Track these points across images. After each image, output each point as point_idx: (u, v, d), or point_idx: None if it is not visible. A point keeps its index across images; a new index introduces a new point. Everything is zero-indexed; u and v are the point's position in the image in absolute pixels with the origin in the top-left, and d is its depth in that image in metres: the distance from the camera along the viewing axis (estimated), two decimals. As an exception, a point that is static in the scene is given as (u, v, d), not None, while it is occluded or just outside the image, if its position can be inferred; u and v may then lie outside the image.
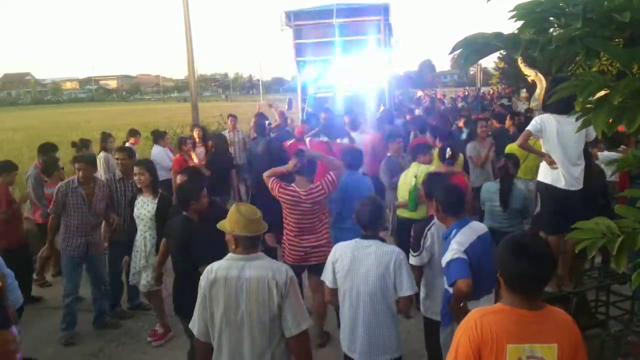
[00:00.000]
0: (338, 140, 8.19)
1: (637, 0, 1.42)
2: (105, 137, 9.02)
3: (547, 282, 2.35)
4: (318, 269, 5.04)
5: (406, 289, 3.44)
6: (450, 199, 3.75)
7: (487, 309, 2.28)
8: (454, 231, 3.67)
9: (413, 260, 3.99)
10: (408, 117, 13.07)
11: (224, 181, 8.34)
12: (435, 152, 6.67)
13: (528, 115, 11.05)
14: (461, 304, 3.46)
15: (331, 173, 5.04)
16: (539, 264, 2.21)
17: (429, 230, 4.06)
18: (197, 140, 9.54)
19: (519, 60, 11.76)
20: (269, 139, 8.76)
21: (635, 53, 1.37)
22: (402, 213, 5.93)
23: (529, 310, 2.21)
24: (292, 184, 5.06)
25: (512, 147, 6.51)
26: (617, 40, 1.54)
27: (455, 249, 3.52)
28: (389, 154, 7.25)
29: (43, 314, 6.34)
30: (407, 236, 5.76)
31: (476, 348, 2.18)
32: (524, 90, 24.82)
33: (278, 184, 5.06)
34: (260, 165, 7.06)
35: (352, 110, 11.50)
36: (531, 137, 5.10)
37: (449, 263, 3.52)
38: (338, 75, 14.04)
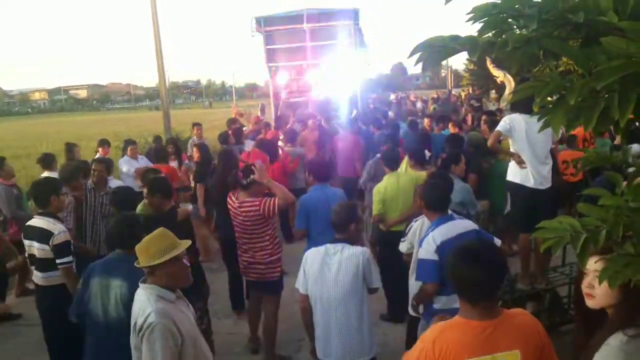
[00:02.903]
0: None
1: (592, 1, 1.43)
2: (70, 148, 8.81)
3: (498, 289, 2.33)
4: (256, 285, 5.09)
5: (377, 282, 3.68)
6: (432, 195, 3.85)
7: (445, 324, 2.23)
8: (432, 226, 3.76)
9: (401, 246, 4.30)
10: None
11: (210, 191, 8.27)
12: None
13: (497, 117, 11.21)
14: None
15: (275, 199, 4.71)
16: (487, 271, 2.18)
17: (415, 222, 4.27)
18: (170, 153, 9.37)
19: (488, 62, 11.91)
20: (225, 147, 8.59)
21: (590, 53, 1.39)
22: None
23: (485, 320, 2.16)
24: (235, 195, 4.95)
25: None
26: (574, 40, 1.56)
27: (427, 247, 3.62)
28: (379, 155, 7.00)
29: (19, 330, 6.21)
30: (392, 249, 5.53)
31: None
32: (494, 91, 25.18)
33: (230, 192, 5.04)
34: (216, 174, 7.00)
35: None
36: (501, 137, 5.17)
37: (419, 261, 3.68)
38: (310, 80, 14.09)
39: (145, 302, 2.80)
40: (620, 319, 1.96)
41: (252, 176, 4.73)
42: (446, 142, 7.17)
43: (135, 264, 2.87)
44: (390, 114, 16.32)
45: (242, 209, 4.79)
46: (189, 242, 2.97)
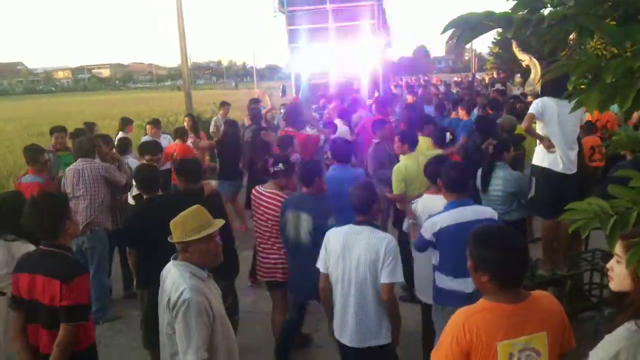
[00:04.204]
0: (308, 130, 8.04)
1: (631, -22, 1.40)
2: (90, 127, 8.92)
3: (525, 272, 2.36)
4: (280, 287, 4.78)
5: (386, 276, 3.40)
6: (449, 176, 3.84)
7: (472, 308, 2.24)
8: (445, 209, 3.79)
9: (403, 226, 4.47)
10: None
11: (233, 167, 8.36)
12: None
13: (528, 101, 11.04)
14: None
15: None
16: (519, 254, 2.21)
17: (411, 204, 4.41)
18: (187, 129, 9.45)
19: (514, 45, 11.72)
20: (255, 127, 8.66)
21: (628, 31, 1.36)
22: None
23: (514, 303, 2.18)
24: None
25: (519, 131, 6.59)
26: (610, 18, 1.53)
27: (429, 226, 3.75)
28: (376, 141, 6.94)
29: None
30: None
31: (466, 351, 2.16)
32: (518, 75, 24.81)
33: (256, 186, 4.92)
34: (249, 153, 7.06)
35: (342, 96, 11.44)
36: (533, 120, 5.06)
37: (420, 234, 3.86)
38: (332, 62, 13.97)
39: (178, 279, 2.81)
40: (633, 308, 1.99)
41: (280, 165, 4.61)
42: (475, 125, 7.14)
43: (168, 239, 2.90)
44: (409, 98, 16.09)
45: (267, 199, 4.59)
46: (222, 221, 3.00)
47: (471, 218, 3.65)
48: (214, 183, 5.20)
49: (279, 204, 4.49)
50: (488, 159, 5.56)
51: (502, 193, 5.26)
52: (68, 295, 2.92)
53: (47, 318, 3.01)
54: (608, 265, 2.09)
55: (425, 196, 4.37)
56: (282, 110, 11.60)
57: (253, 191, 4.78)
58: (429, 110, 11.36)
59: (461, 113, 9.33)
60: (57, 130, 7.32)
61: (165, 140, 9.20)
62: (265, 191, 4.65)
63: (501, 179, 5.28)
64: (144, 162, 5.88)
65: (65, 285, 2.92)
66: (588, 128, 8.28)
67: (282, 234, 4.43)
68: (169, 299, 2.80)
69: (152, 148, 6.23)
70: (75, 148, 6.22)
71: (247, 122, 10.47)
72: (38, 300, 3.02)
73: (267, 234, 4.64)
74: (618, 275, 2.02)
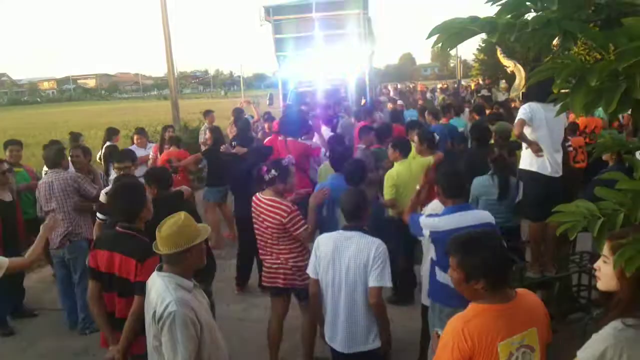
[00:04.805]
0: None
1: (613, -17, 1.42)
2: (76, 137, 8.85)
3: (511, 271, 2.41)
4: (282, 292, 4.74)
5: (374, 280, 3.41)
6: (448, 182, 3.84)
7: (467, 314, 2.27)
8: (442, 214, 3.79)
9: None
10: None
11: (220, 174, 8.35)
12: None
13: (512, 106, 11.16)
14: None
15: (303, 228, 4.49)
16: (504, 253, 2.29)
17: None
18: (166, 140, 9.35)
19: (498, 51, 11.84)
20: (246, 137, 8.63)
21: (612, 35, 1.38)
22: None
23: (503, 303, 2.23)
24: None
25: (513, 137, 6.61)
26: (593, 23, 1.55)
27: (430, 224, 3.75)
28: (362, 146, 6.92)
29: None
30: (398, 235, 5.38)
31: (468, 357, 2.19)
32: (503, 81, 25.01)
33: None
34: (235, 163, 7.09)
35: (326, 103, 11.44)
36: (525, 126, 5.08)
37: (419, 222, 3.86)
38: (318, 70, 14.00)
39: (164, 291, 2.78)
40: (619, 307, 2.03)
41: (272, 171, 4.54)
42: (471, 133, 7.17)
43: (154, 249, 2.87)
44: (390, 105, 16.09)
45: (266, 207, 4.51)
46: (208, 228, 3.01)
47: (472, 223, 3.63)
48: (185, 188, 5.17)
49: (278, 210, 4.42)
50: (505, 168, 5.45)
51: (509, 201, 5.28)
52: (142, 272, 3.25)
53: (122, 289, 3.40)
54: (595, 266, 2.14)
55: (434, 202, 4.31)
56: (265, 117, 11.61)
57: (254, 198, 4.71)
58: (411, 114, 11.36)
59: (428, 118, 9.31)
60: (12, 143, 7.23)
61: (151, 150, 9.17)
62: (264, 198, 4.57)
63: (514, 188, 5.28)
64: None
65: (140, 264, 3.29)
66: (571, 129, 8.39)
67: (327, 227, 4.39)
68: (154, 312, 2.77)
69: (116, 156, 6.03)
70: (44, 159, 6.25)
71: (229, 132, 10.42)
72: (115, 274, 3.40)
73: (270, 241, 4.57)
74: (605, 275, 2.07)
